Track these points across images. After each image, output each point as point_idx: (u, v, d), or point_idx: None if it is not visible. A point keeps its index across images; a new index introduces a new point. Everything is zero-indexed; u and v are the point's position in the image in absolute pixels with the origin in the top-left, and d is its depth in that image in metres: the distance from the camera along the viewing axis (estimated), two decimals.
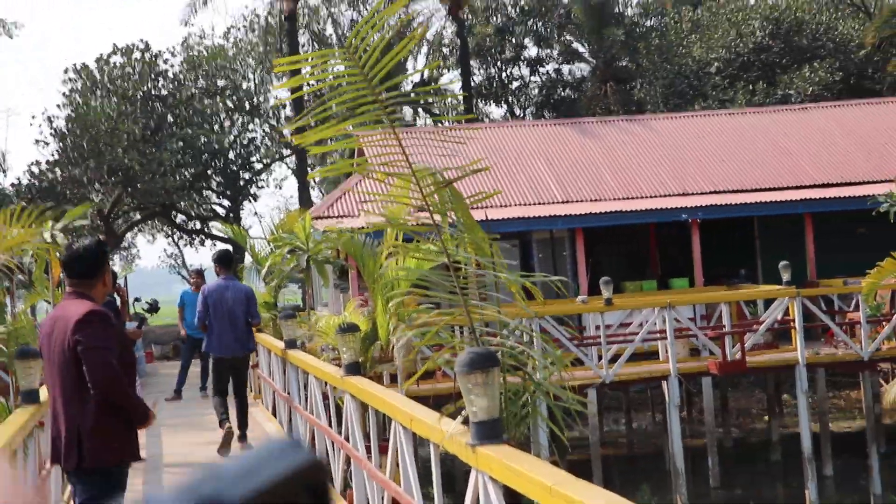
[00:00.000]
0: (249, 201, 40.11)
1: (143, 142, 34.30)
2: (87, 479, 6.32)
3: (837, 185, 25.59)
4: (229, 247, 20.75)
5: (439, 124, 37.60)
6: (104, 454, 6.17)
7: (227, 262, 13.30)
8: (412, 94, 29.82)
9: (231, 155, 38.30)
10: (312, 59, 6.10)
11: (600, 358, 18.17)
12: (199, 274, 20.08)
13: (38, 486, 8.42)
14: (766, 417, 23.64)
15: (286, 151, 39.32)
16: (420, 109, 43.30)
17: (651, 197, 25.28)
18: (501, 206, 24.48)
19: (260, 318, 13.75)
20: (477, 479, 5.33)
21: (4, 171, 39.12)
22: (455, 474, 19.00)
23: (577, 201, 24.86)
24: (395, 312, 7.44)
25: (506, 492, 5.33)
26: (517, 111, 44.49)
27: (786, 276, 20.20)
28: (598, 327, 18.60)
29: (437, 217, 6.14)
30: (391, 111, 5.94)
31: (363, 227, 6.07)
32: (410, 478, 6.92)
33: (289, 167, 42.52)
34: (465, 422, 5.41)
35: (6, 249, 9.50)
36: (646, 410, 26.00)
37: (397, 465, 7.11)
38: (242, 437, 13.09)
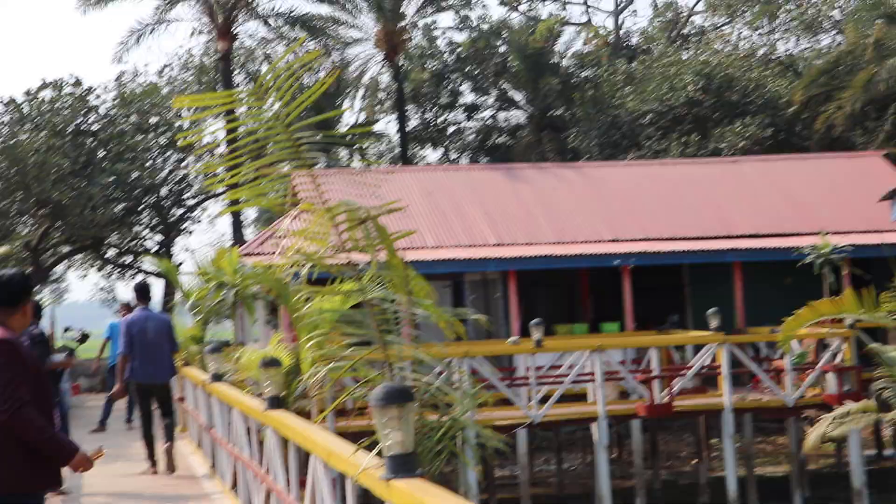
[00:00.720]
0: (182, 237, 39.86)
1: (73, 176, 33.90)
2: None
3: (765, 235, 26.02)
4: (148, 280, 20.84)
5: (372, 167, 37.76)
6: (10, 481, 6.06)
7: (146, 294, 14.07)
8: (347, 136, 29.84)
9: (163, 191, 38.02)
10: (219, 98, 6.08)
11: (530, 399, 18.22)
12: (128, 307, 19.99)
13: None
14: (695, 461, 23.83)
15: (220, 189, 39.13)
16: (355, 152, 43.42)
17: (584, 242, 25.51)
18: (434, 247, 24.55)
19: (178, 346, 14.36)
20: None
21: None
22: None
23: (510, 244, 25.02)
24: (318, 348, 7.47)
25: None
26: (453, 156, 44.75)
27: (714, 323, 20.45)
28: (528, 368, 18.67)
29: (356, 254, 6.16)
30: (327, 150, 5.98)
31: (283, 265, 6.06)
32: None
33: (223, 203, 42.30)
34: (381, 455, 5.40)
35: None
36: (576, 451, 26.09)
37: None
38: (168, 453, 13.70)
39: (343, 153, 44.03)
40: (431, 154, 45.90)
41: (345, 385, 9.13)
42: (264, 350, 10.97)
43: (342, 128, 42.08)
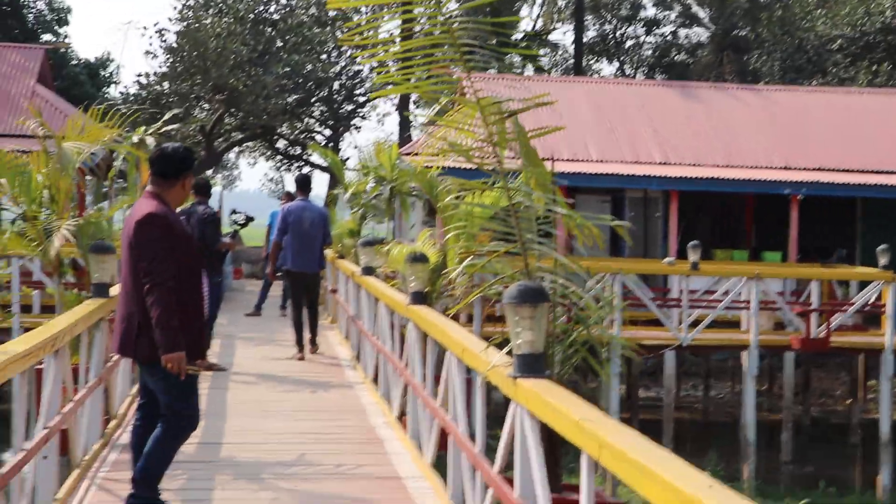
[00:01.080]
0: (350, 133, 40.36)
1: (250, 63, 34.59)
2: (151, 372, 6.42)
3: None
4: (311, 172, 21.23)
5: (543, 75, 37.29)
6: (155, 350, 6.24)
7: (306, 186, 14.43)
8: (521, 43, 29.43)
9: (336, 85, 38.44)
10: None
11: (681, 321, 17.93)
12: (290, 196, 20.44)
13: (103, 375, 8.60)
14: (849, 401, 23.17)
15: (390, 87, 39.30)
16: (528, 61, 42.88)
17: (754, 167, 24.72)
18: (597, 161, 24.20)
19: (331, 239, 14.74)
20: (515, 411, 5.28)
21: (117, 83, 39.85)
22: None
23: (675, 164, 24.47)
24: (461, 240, 7.46)
25: (543, 429, 5.27)
26: (628, 70, 43.79)
27: (883, 261, 19.61)
28: (682, 290, 18.33)
29: (502, 153, 6.04)
30: (500, 56, 5.83)
31: (428, 151, 5.99)
32: (458, 407, 6.90)
33: (392, 103, 42.64)
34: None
35: (87, 141, 9.68)
36: (726, 379, 25.66)
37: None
38: (312, 342, 14.34)
39: (516, 60, 43.60)
40: (606, 67, 45.19)
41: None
42: (413, 246, 11.02)
43: (518, 35, 41.60)
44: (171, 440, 6.42)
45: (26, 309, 17.13)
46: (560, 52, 44.57)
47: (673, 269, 19.23)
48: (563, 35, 71.34)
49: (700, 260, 19.06)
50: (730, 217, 26.41)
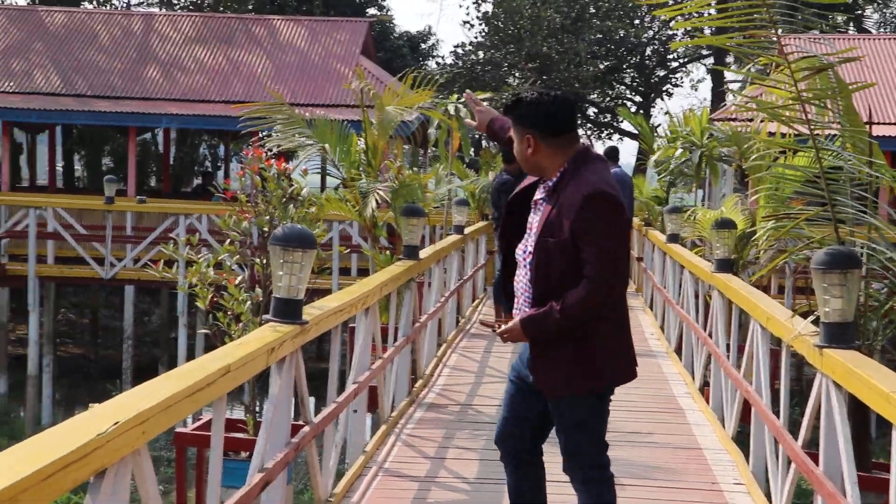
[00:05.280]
0: (662, 99, 39.67)
1: (563, 31, 34.68)
2: None
3: None
4: (620, 142, 21.33)
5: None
6: None
7: (613, 156, 15.35)
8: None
9: (648, 51, 37.91)
10: None
11: None
12: None
13: (410, 335, 8.88)
14: None
15: (705, 51, 38.32)
16: (852, 19, 40.50)
17: None
18: None
19: (633, 205, 14.95)
20: (821, 382, 5.05)
21: (436, 57, 40.90)
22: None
23: None
24: (771, 209, 7.15)
25: (851, 400, 5.01)
26: None
27: None
28: None
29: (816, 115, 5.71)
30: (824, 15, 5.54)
31: (738, 109, 5.77)
32: (762, 378, 6.67)
33: (706, 68, 41.56)
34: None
35: (399, 105, 9.99)
36: None
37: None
38: None
39: (841, 20, 41.31)
40: None
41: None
42: (719, 211, 10.70)
43: None
44: None
45: (345, 271, 18.00)
46: (891, 11, 41.87)
47: None
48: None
49: None
50: None
